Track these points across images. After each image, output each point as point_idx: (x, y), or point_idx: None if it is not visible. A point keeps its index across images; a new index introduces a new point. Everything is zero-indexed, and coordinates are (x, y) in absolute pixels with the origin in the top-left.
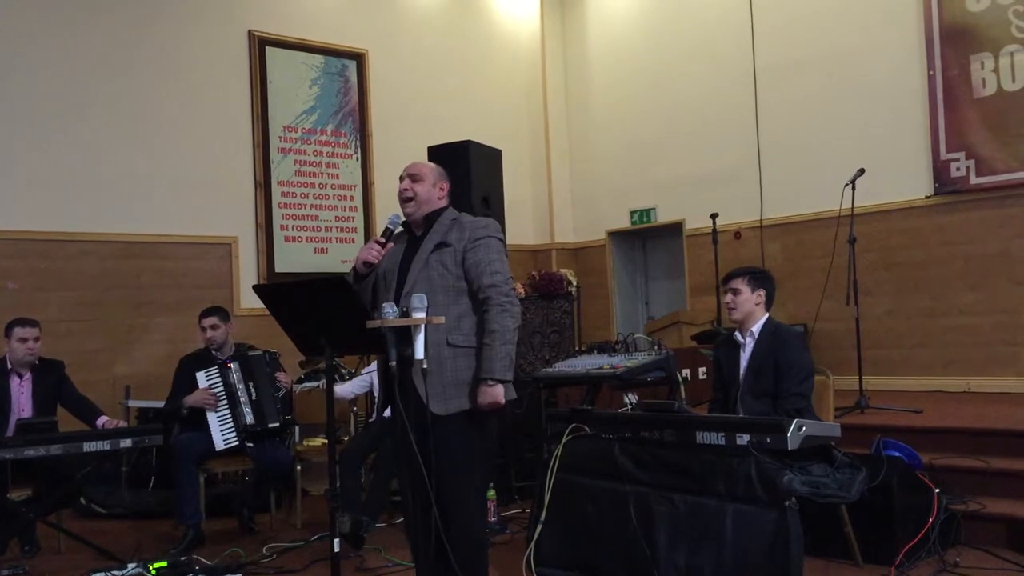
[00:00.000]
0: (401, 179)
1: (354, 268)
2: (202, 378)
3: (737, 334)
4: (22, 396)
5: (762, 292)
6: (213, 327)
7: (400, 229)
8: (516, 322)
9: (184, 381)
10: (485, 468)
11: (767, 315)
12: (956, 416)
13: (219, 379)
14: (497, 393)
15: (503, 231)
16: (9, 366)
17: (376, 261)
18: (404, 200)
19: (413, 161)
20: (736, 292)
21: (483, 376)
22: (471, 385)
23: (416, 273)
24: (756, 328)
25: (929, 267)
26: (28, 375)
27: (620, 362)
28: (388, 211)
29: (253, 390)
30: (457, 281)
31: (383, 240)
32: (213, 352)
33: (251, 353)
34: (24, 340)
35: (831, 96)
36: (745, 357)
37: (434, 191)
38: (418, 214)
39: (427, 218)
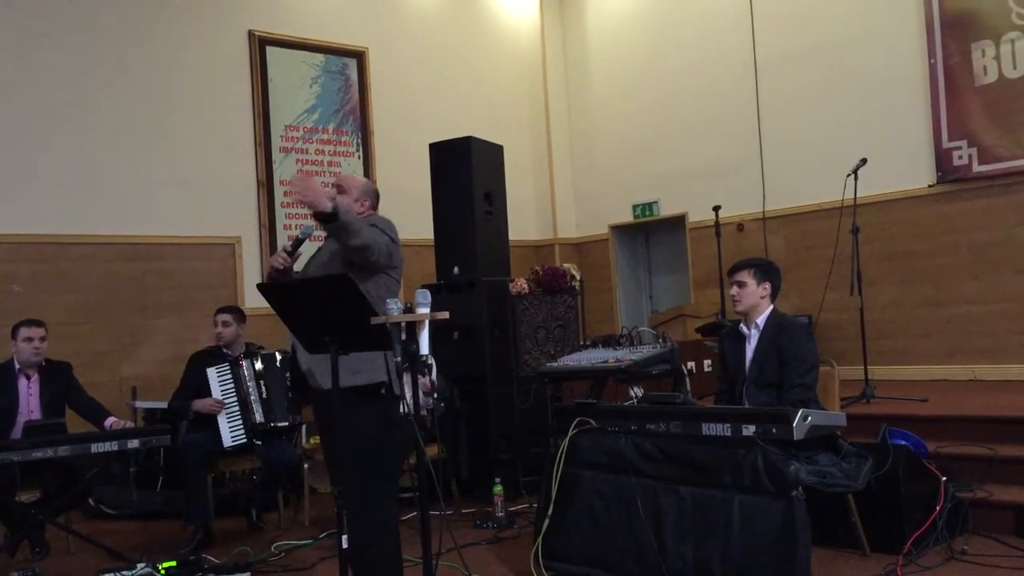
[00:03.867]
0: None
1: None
2: (213, 374)
3: (743, 326)
4: (30, 398)
5: (768, 284)
6: (225, 324)
7: (314, 239)
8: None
9: (194, 377)
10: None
11: (772, 307)
12: (962, 404)
13: (230, 376)
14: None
15: (506, 225)
16: (17, 367)
17: (282, 267)
18: None
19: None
20: (742, 284)
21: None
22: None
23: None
24: (761, 320)
25: (933, 256)
26: (35, 377)
27: (625, 355)
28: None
29: (264, 388)
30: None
31: (290, 249)
32: (224, 350)
33: (262, 352)
34: (30, 340)
35: (832, 86)
36: (750, 349)
37: (355, 206)
38: None
39: None
